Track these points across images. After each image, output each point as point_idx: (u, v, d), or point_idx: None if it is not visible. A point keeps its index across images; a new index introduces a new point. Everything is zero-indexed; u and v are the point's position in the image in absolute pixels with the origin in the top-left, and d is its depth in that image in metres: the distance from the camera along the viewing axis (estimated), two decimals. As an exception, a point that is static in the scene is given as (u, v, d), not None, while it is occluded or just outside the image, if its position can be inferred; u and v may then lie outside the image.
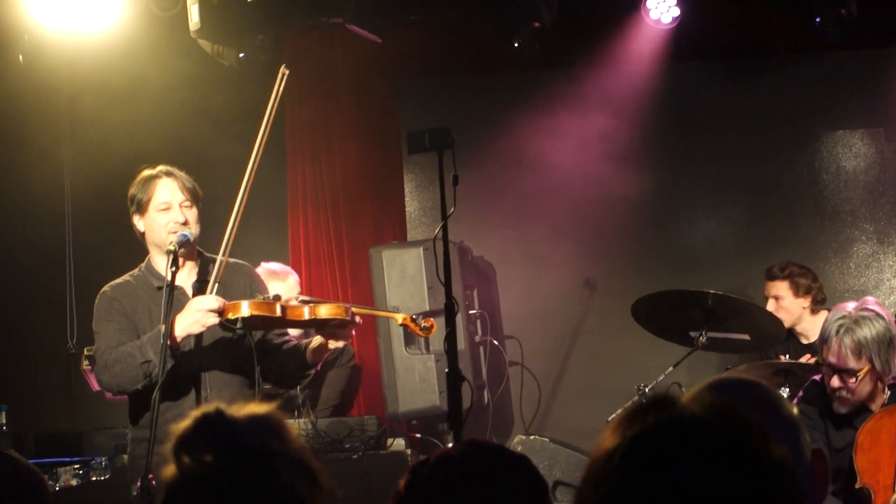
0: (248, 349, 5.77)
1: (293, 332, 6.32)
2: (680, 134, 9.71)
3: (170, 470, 2.21)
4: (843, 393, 5.66)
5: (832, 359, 5.67)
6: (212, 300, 5.60)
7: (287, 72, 6.18)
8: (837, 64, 9.59)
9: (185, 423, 2.23)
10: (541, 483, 2.74)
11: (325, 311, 5.69)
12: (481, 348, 8.76)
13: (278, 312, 5.63)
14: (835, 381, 5.67)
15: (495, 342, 8.85)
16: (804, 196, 9.63)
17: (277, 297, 5.73)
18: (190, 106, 9.16)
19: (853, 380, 5.63)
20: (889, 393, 5.78)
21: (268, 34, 8.84)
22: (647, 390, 7.47)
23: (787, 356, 7.92)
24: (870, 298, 5.91)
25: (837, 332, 5.67)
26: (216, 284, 5.72)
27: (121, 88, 9.21)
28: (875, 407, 5.76)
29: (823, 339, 5.72)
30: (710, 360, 8.43)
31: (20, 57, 8.63)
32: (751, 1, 9.43)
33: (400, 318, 6.10)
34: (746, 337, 7.58)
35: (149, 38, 8.91)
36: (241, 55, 8.71)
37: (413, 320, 6.07)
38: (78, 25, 8.49)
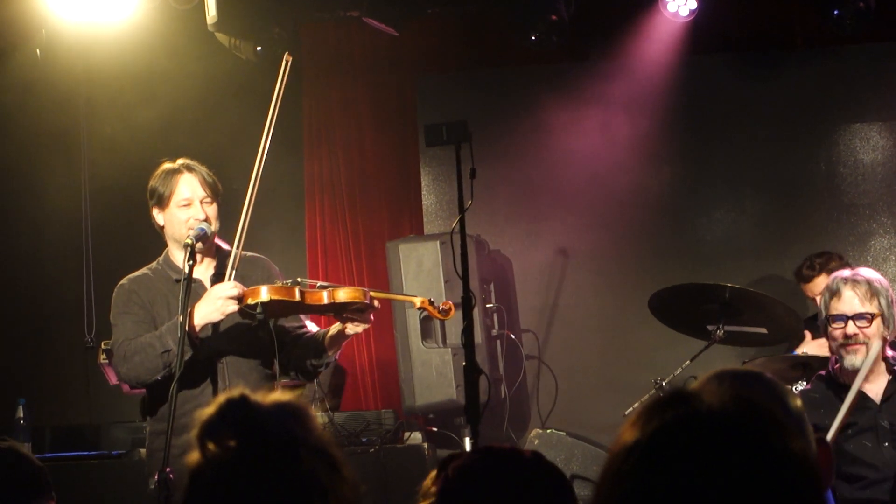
0: (267, 339, 5.77)
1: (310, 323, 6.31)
2: (697, 127, 9.70)
3: (194, 456, 2.22)
4: (860, 338, 5.68)
5: (844, 308, 5.70)
6: (230, 287, 5.60)
7: (290, 59, 6.16)
8: (856, 57, 9.58)
9: (209, 409, 2.24)
10: (561, 477, 2.75)
11: (343, 294, 5.68)
12: (498, 342, 8.76)
13: (297, 297, 5.63)
14: (850, 328, 5.68)
15: (512, 336, 8.86)
16: (822, 189, 9.61)
17: (296, 282, 5.73)
18: (207, 99, 9.18)
19: (869, 323, 5.66)
20: (889, 377, 5.78)
21: (285, 27, 8.85)
22: (663, 384, 7.47)
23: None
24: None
25: (846, 282, 5.73)
26: (233, 272, 5.72)
27: (138, 81, 9.22)
28: (872, 390, 5.76)
29: (832, 293, 5.76)
30: (728, 353, 8.41)
31: (38, 51, 8.65)
32: (768, -6, 9.44)
33: (418, 301, 6.07)
34: (764, 330, 7.57)
35: (166, 31, 8.92)
36: (258, 48, 8.72)
37: (431, 303, 6.06)
38: (95, 18, 8.51)
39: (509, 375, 8.79)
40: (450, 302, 6.12)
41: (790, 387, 7.23)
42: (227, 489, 2.18)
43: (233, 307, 5.58)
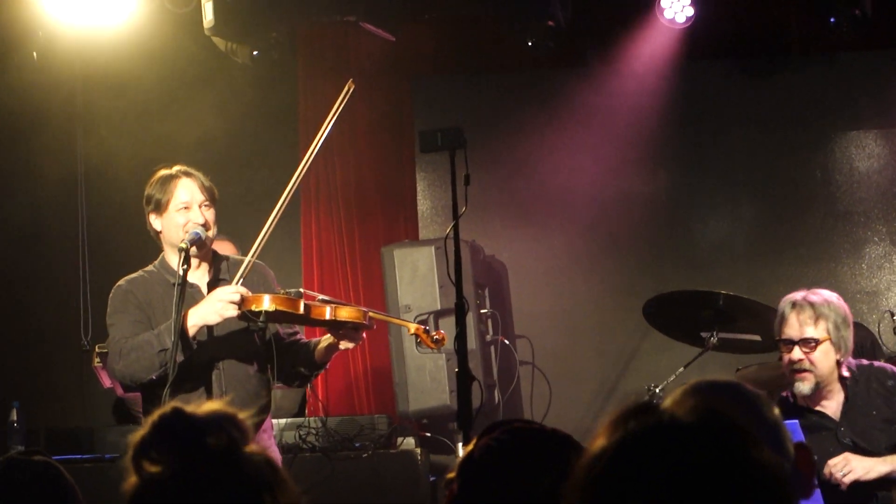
0: (263, 345, 5.81)
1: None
2: (693, 134, 9.71)
3: (130, 481, 2.19)
4: (805, 364, 5.66)
5: (790, 332, 5.69)
6: (232, 291, 5.61)
7: (353, 87, 6.20)
8: (851, 64, 9.59)
9: (141, 431, 2.22)
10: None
11: (345, 313, 5.75)
12: (492, 348, 8.76)
13: (301, 310, 5.67)
14: (795, 353, 5.66)
15: (506, 342, 8.85)
16: (817, 196, 9.62)
17: (300, 294, 5.76)
18: (203, 103, 9.18)
19: (813, 349, 5.64)
20: (844, 394, 5.76)
21: (281, 32, 8.86)
22: (657, 391, 7.47)
23: None
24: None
25: (793, 307, 5.71)
26: (241, 279, 5.75)
27: (134, 85, 9.23)
28: (830, 408, 5.76)
29: (780, 318, 5.74)
30: (722, 360, 8.41)
31: (34, 54, 8.65)
32: (765, 0, 9.43)
33: (413, 328, 6.13)
34: (758, 338, 7.57)
35: (163, 35, 8.93)
36: (255, 53, 8.72)
37: (426, 332, 6.09)
38: (92, 22, 8.52)
39: (503, 381, 8.78)
40: (443, 332, 6.16)
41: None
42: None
43: (231, 312, 5.60)
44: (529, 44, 8.77)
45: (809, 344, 5.64)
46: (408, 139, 9.54)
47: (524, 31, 8.77)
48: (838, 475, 5.50)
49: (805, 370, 5.66)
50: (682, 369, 7.61)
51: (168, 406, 2.25)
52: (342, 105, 6.19)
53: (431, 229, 9.64)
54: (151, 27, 8.76)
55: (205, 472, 2.16)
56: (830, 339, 5.65)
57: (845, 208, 9.58)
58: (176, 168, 5.94)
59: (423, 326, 6.11)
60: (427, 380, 8.28)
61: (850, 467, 5.53)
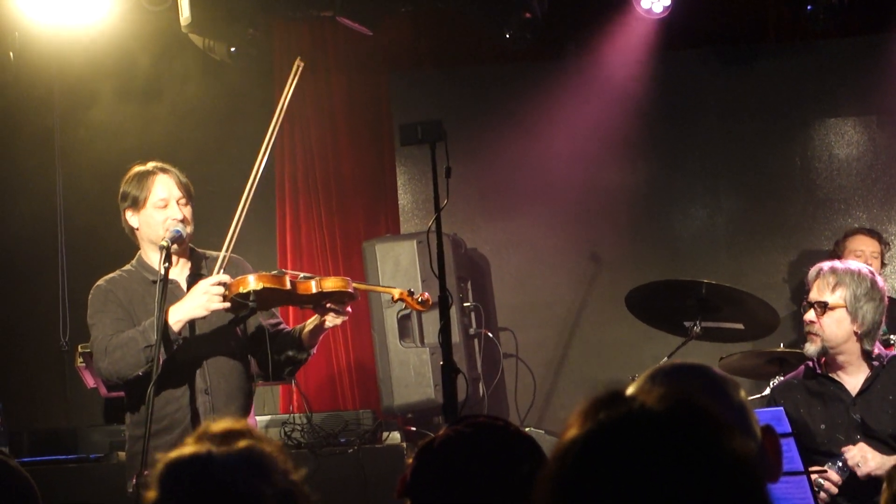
0: (246, 338, 5.81)
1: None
2: (672, 123, 9.71)
3: (151, 494, 2.20)
4: (814, 328, 5.72)
5: (810, 295, 5.80)
6: (215, 281, 5.59)
7: (302, 64, 6.17)
8: (829, 51, 9.60)
9: (174, 455, 2.21)
10: (543, 459, 2.75)
11: (330, 283, 5.74)
12: (476, 341, 8.75)
13: (288, 286, 5.65)
14: (807, 315, 5.76)
15: (490, 334, 8.84)
16: (797, 184, 9.64)
17: (282, 272, 5.75)
18: (181, 101, 9.15)
19: (823, 313, 5.69)
20: (869, 372, 5.78)
21: (258, 28, 8.83)
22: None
23: None
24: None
25: (819, 273, 5.80)
26: (220, 271, 5.74)
27: (112, 83, 9.19)
28: (850, 383, 5.77)
29: (809, 282, 5.84)
30: (705, 349, 8.42)
31: (10, 54, 8.60)
32: (741, -11, 9.46)
33: (397, 292, 6.14)
34: (740, 326, 7.59)
35: (140, 33, 8.91)
36: (232, 49, 8.70)
37: (410, 294, 6.10)
38: (68, 21, 8.48)
39: (487, 374, 8.78)
40: (426, 293, 6.15)
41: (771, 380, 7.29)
42: None
43: (217, 304, 5.58)
44: (507, 36, 8.77)
45: (821, 307, 5.69)
46: (387, 133, 9.53)
47: (501, 23, 8.77)
48: (852, 464, 5.54)
49: (813, 333, 5.72)
50: (665, 359, 7.61)
51: (189, 449, 2.24)
52: (293, 84, 6.15)
53: (413, 223, 9.63)
54: (128, 25, 8.73)
55: None
56: (846, 307, 5.69)
57: (825, 196, 9.60)
58: (151, 164, 5.91)
59: (406, 290, 6.11)
60: (411, 374, 8.28)
61: (866, 462, 5.55)
